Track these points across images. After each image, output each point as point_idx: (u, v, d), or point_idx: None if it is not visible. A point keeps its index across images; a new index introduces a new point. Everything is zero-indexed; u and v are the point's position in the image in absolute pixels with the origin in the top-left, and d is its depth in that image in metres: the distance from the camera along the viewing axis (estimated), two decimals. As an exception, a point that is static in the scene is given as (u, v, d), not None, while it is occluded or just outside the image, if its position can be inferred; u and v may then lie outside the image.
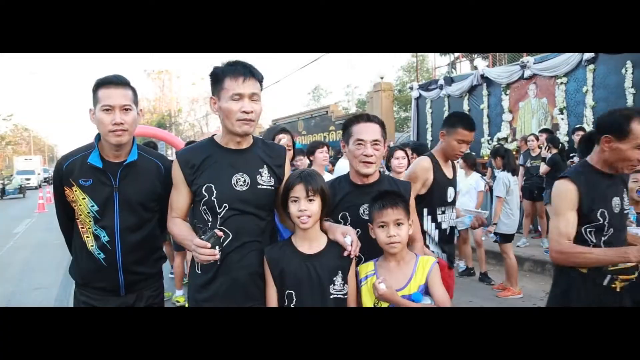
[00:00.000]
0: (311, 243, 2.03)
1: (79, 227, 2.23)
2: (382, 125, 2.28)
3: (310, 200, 1.96)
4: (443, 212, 2.94)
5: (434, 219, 2.92)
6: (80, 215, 2.20)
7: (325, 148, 5.49)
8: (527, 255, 6.89)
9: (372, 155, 2.18)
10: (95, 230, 2.18)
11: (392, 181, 2.36)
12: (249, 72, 1.94)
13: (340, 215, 2.22)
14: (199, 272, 2.04)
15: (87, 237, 2.21)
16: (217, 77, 1.97)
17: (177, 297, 5.68)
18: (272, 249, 2.06)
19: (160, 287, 2.42)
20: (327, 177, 3.69)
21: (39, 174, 36.68)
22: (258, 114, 1.98)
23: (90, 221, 2.18)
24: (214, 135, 2.12)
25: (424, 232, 2.85)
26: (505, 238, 5.68)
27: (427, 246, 2.82)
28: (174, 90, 39.30)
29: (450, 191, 2.97)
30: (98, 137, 2.22)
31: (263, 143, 2.15)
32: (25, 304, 5.63)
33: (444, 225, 2.96)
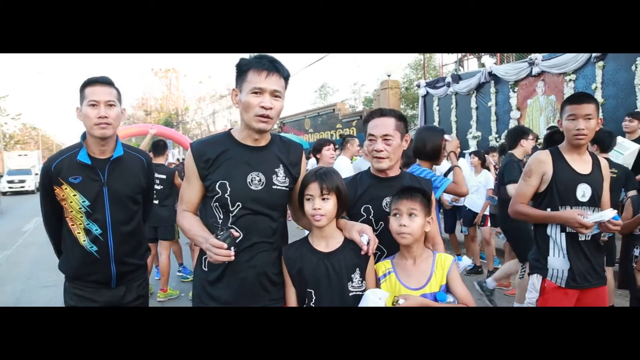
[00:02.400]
0: (328, 241, 2.02)
1: (69, 224, 2.32)
2: (398, 117, 2.24)
3: (325, 199, 1.95)
4: None
5: None
6: (71, 212, 2.29)
7: (332, 146, 5.50)
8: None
9: (382, 150, 2.17)
10: (87, 224, 2.29)
11: (413, 177, 2.34)
12: (274, 67, 1.89)
13: (363, 208, 2.21)
14: (206, 269, 2.00)
15: (79, 233, 2.31)
16: (242, 69, 1.91)
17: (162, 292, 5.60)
18: (289, 249, 2.05)
19: (146, 279, 2.57)
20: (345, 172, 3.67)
21: (36, 174, 26.49)
22: (278, 111, 1.93)
23: (81, 217, 2.28)
24: (230, 129, 2.08)
25: (547, 237, 2.59)
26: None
27: (545, 256, 2.57)
28: (181, 89, 39.48)
29: (584, 189, 2.56)
30: (84, 136, 2.36)
31: (280, 140, 2.11)
32: (34, 302, 5.66)
33: (571, 229, 2.53)
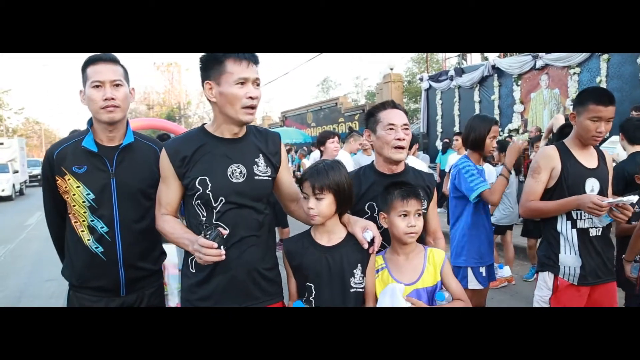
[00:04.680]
0: (330, 235, 1.98)
1: (72, 221, 2.08)
2: (406, 112, 2.27)
3: (318, 198, 1.89)
4: None
5: (569, 216, 2.49)
6: (74, 206, 2.05)
7: (336, 138, 5.47)
8: (538, 248, 6.82)
9: (403, 139, 2.15)
10: (92, 221, 2.04)
11: (416, 172, 2.32)
12: (252, 56, 1.83)
13: (367, 205, 2.18)
14: (193, 270, 1.90)
15: (82, 231, 2.06)
16: (217, 60, 1.82)
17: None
18: (291, 241, 2.03)
19: (160, 286, 2.28)
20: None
21: (16, 171, 20.11)
22: (259, 100, 1.88)
23: (85, 212, 2.03)
24: (204, 124, 2.01)
25: (557, 233, 2.53)
26: (499, 229, 5.59)
27: (556, 253, 2.50)
28: (183, 83, 39.48)
29: (592, 183, 2.51)
30: (90, 122, 2.11)
31: (256, 130, 2.04)
32: (38, 295, 5.69)
33: (582, 225, 2.47)
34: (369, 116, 2.28)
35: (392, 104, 2.25)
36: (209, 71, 1.86)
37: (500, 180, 3.12)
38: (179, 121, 33.64)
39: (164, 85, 39.86)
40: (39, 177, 24.79)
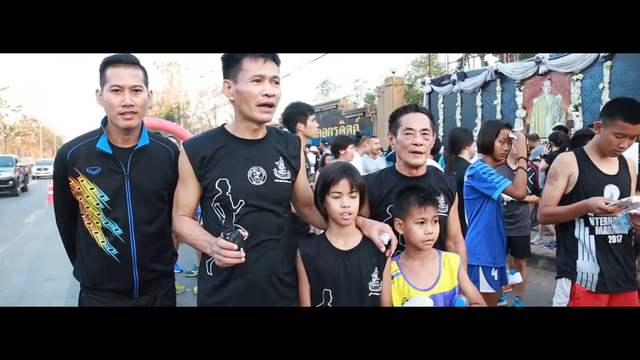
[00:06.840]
0: (347, 239, 1.96)
1: (85, 223, 2.06)
2: (430, 116, 2.24)
3: (353, 196, 1.89)
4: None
5: (587, 222, 2.48)
6: (88, 208, 2.03)
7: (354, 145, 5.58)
8: (541, 253, 6.81)
9: (421, 145, 2.12)
10: (106, 223, 2.02)
11: (438, 176, 2.30)
12: (270, 54, 1.81)
13: (388, 208, 2.15)
14: (211, 273, 1.88)
15: (96, 233, 2.03)
16: (234, 58, 1.81)
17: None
18: (307, 245, 1.98)
19: (172, 288, 2.28)
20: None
21: None
22: (278, 99, 1.84)
23: (99, 214, 2.01)
24: (224, 124, 1.99)
25: (575, 240, 2.52)
26: None
27: (574, 259, 2.51)
28: (183, 83, 39.38)
29: (611, 190, 2.48)
30: (105, 121, 2.07)
31: (277, 133, 2.02)
32: (38, 295, 5.63)
33: (600, 231, 2.46)
34: (392, 119, 2.27)
35: (414, 108, 2.22)
36: (228, 70, 1.85)
37: (521, 173, 3.13)
38: (178, 121, 33.54)
39: (163, 85, 39.80)
40: (11, 182, 17.45)
